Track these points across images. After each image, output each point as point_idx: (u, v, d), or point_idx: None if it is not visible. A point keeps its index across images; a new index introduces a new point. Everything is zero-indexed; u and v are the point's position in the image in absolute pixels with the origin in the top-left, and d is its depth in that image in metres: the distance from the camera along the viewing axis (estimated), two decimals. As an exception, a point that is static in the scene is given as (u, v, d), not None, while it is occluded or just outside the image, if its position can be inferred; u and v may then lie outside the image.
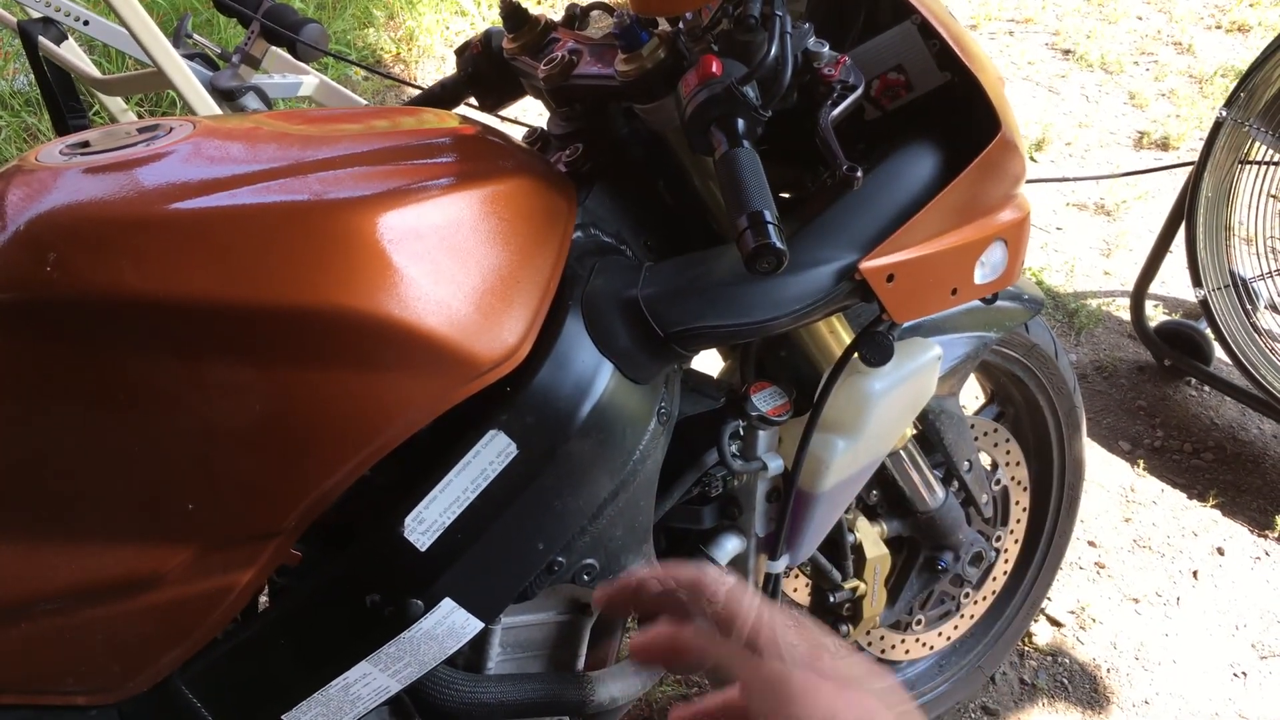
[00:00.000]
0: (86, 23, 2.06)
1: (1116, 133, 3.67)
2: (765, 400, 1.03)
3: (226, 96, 1.98)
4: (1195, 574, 2.10)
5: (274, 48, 2.07)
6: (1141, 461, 2.35)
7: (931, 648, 1.64)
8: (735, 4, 0.87)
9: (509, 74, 1.12)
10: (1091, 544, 2.14)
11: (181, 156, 0.78)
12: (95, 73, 2.09)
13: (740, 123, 0.81)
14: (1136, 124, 3.72)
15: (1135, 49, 4.24)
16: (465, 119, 1.00)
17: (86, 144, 0.81)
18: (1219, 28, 4.43)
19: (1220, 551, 2.15)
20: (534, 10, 1.10)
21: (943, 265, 0.95)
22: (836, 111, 0.84)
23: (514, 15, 1.07)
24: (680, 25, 0.96)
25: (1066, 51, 4.18)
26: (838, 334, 1.11)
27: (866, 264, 0.89)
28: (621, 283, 0.89)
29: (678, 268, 0.92)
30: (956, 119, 0.95)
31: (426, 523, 0.79)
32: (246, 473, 0.74)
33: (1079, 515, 1.75)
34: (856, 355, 0.98)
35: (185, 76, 1.86)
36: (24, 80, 2.97)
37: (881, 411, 1.08)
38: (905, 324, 1.10)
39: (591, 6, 1.16)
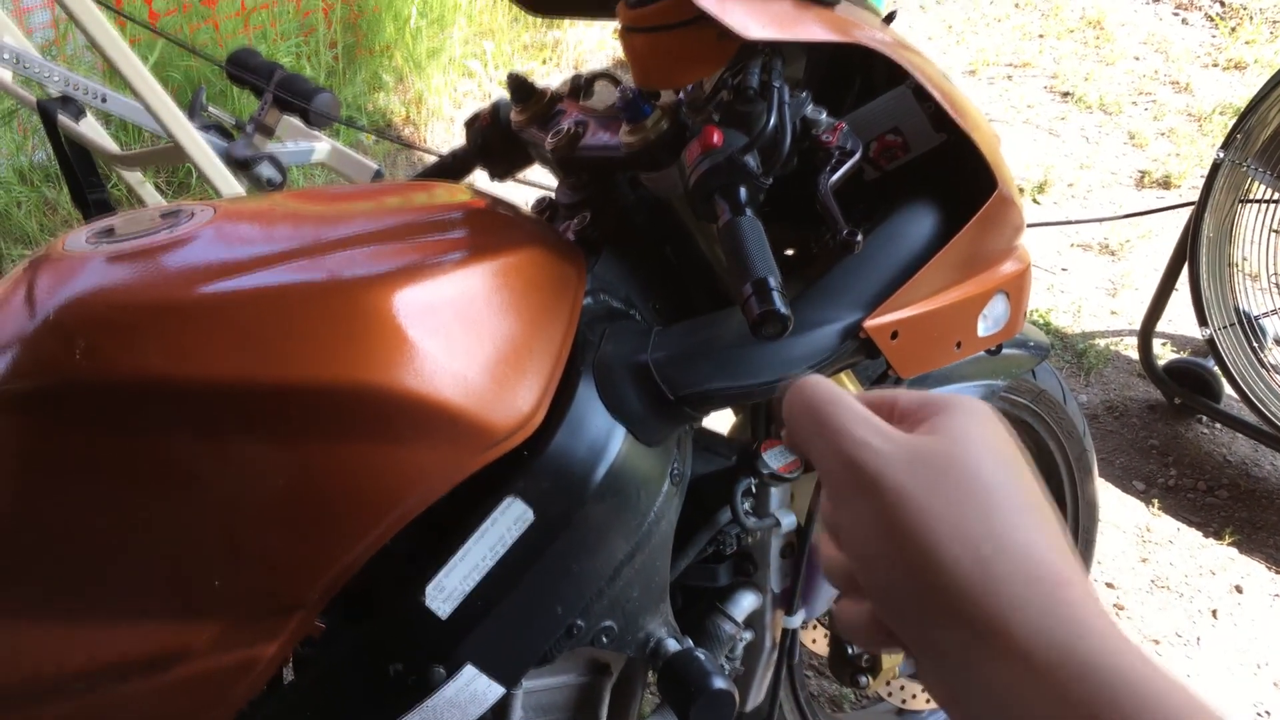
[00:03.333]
0: (104, 99, 2.11)
1: (1118, 173, 3.71)
2: (776, 458, 1.04)
3: (242, 166, 2.02)
4: (1215, 613, 2.09)
5: (287, 116, 2.12)
6: (1156, 501, 2.34)
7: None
8: (734, 75, 0.90)
9: (517, 144, 1.15)
10: (1109, 585, 2.13)
11: (204, 241, 0.80)
12: (114, 148, 2.14)
13: (742, 191, 0.83)
14: (1137, 164, 3.76)
15: (1133, 89, 4.28)
16: (475, 191, 1.03)
17: (111, 230, 0.83)
18: (1216, 66, 4.48)
19: (1239, 589, 2.14)
20: (540, 80, 1.13)
21: (945, 320, 0.97)
22: (835, 177, 0.86)
23: (521, 88, 1.11)
24: (682, 97, 0.99)
25: (1065, 94, 4.24)
26: (847, 390, 1.12)
27: (870, 322, 0.91)
28: (631, 347, 0.91)
29: (686, 331, 0.94)
30: (954, 177, 0.98)
31: (447, 590, 0.81)
32: (270, 547, 0.75)
33: (1096, 557, 1.75)
34: (864, 411, 1.00)
35: (200, 149, 1.90)
36: (43, 155, 3.04)
37: (891, 465, 1.09)
38: (911, 378, 1.12)
39: (595, 76, 1.20)
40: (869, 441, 0.40)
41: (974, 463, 0.39)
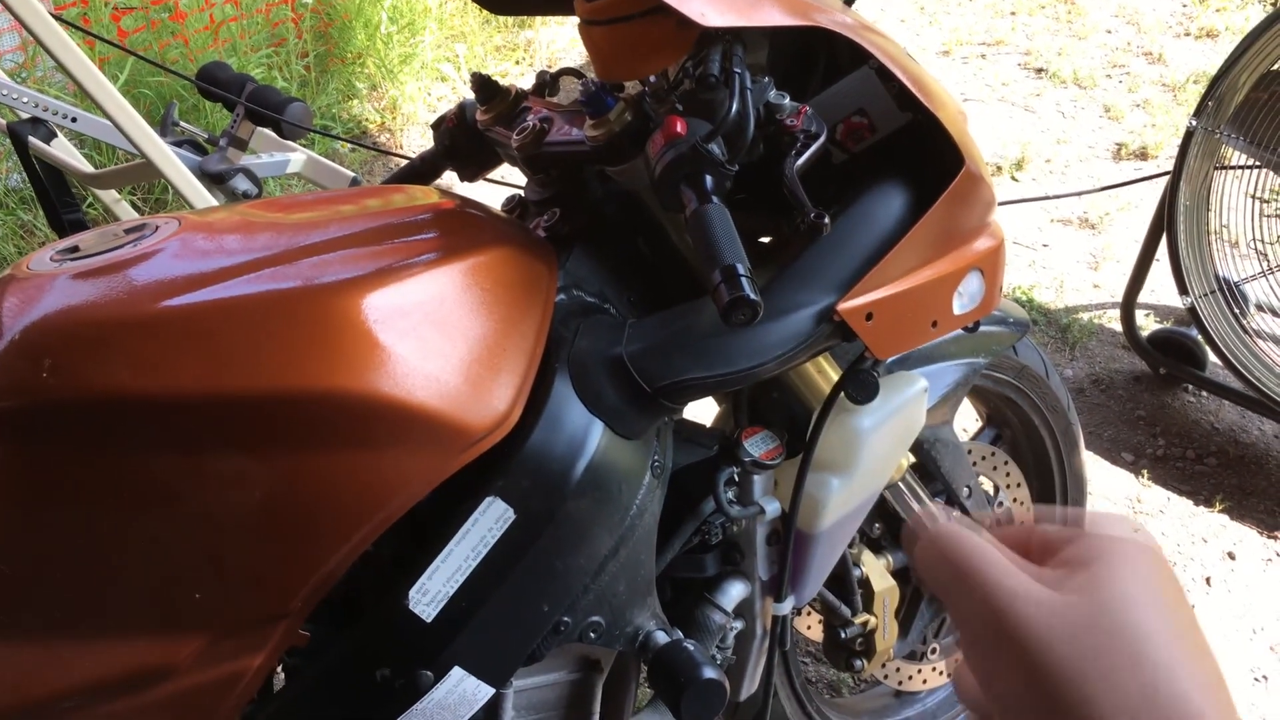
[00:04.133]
0: (74, 120, 2.10)
1: (1095, 146, 3.71)
2: (757, 445, 1.04)
3: (216, 180, 2.02)
4: (1208, 580, 2.10)
5: (260, 128, 2.11)
6: (1145, 471, 2.35)
7: (949, 675, 1.64)
8: (696, 64, 0.90)
9: (485, 144, 1.15)
10: (1103, 558, 2.14)
11: (168, 254, 0.80)
12: (86, 168, 2.13)
13: (708, 179, 0.83)
14: (1114, 136, 3.77)
15: (1107, 62, 4.29)
16: (443, 193, 1.03)
17: (76, 248, 0.83)
18: (1188, 35, 4.49)
19: (1231, 556, 2.15)
20: (507, 79, 1.13)
21: (920, 299, 0.97)
22: (801, 161, 0.86)
23: (485, 88, 1.10)
24: (645, 88, 0.99)
25: (1039, 70, 4.24)
26: (826, 373, 1.12)
27: (844, 305, 0.91)
28: (606, 342, 0.91)
29: (660, 323, 0.94)
30: (922, 156, 0.98)
31: (431, 593, 0.81)
32: (251, 558, 0.75)
33: (1086, 530, 1.75)
34: (843, 394, 1.00)
35: (173, 165, 1.90)
36: (17, 178, 3.02)
37: (873, 447, 1.09)
38: (890, 359, 1.12)
39: (561, 73, 1.20)
40: (1018, 609, 0.39)
41: (1142, 633, 0.37)
